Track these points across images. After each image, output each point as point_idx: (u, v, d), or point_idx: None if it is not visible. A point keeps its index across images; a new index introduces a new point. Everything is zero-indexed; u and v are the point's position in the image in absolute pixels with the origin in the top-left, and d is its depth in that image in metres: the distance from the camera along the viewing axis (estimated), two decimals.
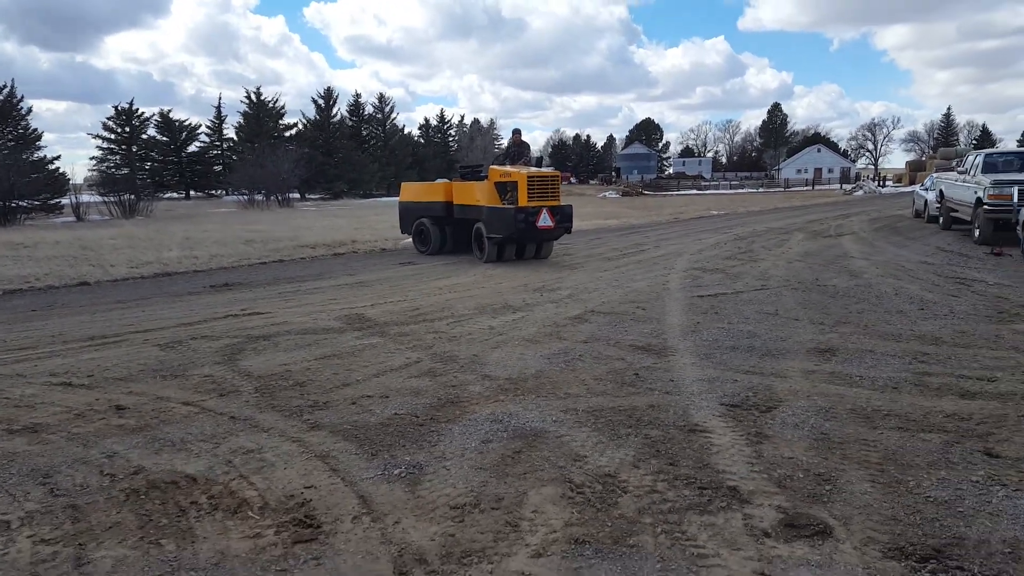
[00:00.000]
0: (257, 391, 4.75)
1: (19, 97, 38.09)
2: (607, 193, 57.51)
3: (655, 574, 2.52)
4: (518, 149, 13.19)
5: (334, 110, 57.32)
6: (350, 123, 59.60)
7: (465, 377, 4.97)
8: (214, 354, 5.80)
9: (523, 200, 10.96)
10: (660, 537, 2.77)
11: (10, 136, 37.16)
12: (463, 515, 2.97)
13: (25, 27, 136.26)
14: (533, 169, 11.81)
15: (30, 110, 39.10)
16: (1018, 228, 11.63)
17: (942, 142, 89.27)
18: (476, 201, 11.89)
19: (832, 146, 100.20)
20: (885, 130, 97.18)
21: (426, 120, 75.87)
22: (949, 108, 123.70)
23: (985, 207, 13.03)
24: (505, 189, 11.39)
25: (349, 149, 54.86)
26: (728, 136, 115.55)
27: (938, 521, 2.85)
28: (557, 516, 2.95)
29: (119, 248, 15.51)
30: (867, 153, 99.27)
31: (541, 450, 3.64)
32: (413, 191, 14.26)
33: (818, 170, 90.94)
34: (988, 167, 14.43)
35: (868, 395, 4.44)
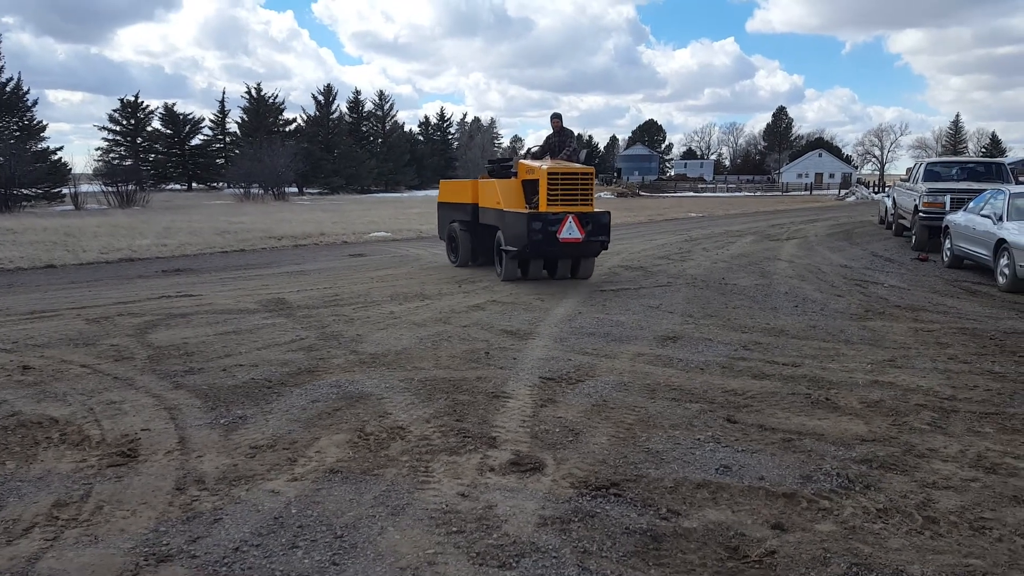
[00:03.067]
0: (149, 358, 5.44)
1: (25, 89, 39.09)
2: (603, 194, 57.92)
3: (378, 493, 3.18)
4: (559, 139, 10.27)
5: (334, 107, 58.30)
6: (349, 120, 60.49)
7: (335, 352, 5.64)
8: (130, 328, 6.49)
9: (543, 204, 8.78)
10: (404, 470, 3.43)
11: (15, 126, 38.12)
12: (256, 453, 3.63)
13: (40, 18, 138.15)
14: (558, 163, 9.31)
15: (35, 102, 40.22)
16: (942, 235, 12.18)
17: (949, 149, 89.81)
18: (497, 203, 9.47)
19: (834, 151, 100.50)
20: (893, 136, 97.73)
21: (426, 118, 76.84)
22: (958, 115, 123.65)
23: (920, 214, 13.60)
24: (533, 189, 9.16)
25: (347, 145, 55.78)
26: (732, 139, 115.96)
27: (635, 465, 3.50)
28: (333, 455, 3.61)
29: (99, 235, 16.26)
30: (874, 159, 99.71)
31: (357, 409, 4.30)
32: (448, 190, 11.76)
33: (819, 175, 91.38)
34: (929, 175, 15.00)
35: (671, 373, 5.08)
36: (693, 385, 4.80)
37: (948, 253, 11.25)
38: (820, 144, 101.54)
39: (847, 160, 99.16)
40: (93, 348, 5.75)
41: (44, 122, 40.95)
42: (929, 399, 4.51)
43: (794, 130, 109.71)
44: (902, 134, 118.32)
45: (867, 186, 65.40)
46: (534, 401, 4.44)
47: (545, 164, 9.31)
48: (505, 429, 3.96)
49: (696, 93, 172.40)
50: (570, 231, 8.78)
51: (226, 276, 10.19)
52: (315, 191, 53.22)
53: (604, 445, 3.74)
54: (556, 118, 10.49)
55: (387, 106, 63.79)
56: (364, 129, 62.06)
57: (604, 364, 5.32)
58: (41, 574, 2.51)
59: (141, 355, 5.52)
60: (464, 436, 3.85)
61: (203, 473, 3.37)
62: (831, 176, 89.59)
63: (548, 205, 8.85)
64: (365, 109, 62.45)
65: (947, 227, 11.46)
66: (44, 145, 38.52)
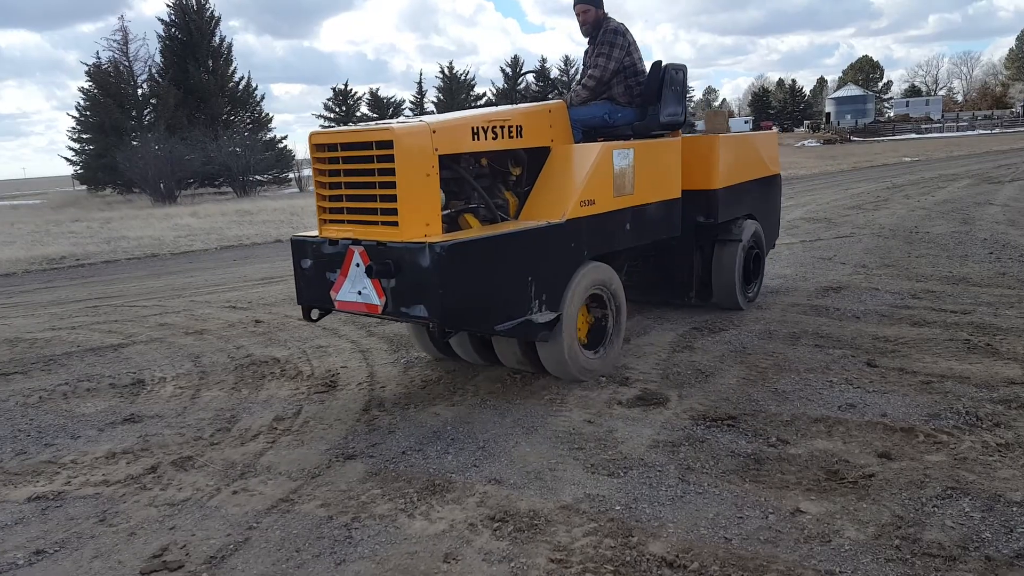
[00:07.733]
0: None
1: (254, 86, 44.78)
2: (807, 142, 53.84)
3: (518, 417, 3.70)
4: (592, 48, 5.10)
5: (520, 77, 59.92)
6: (536, 88, 61.76)
7: None
8: None
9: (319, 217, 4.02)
10: (542, 401, 3.92)
11: (248, 120, 43.94)
12: (426, 385, 4.33)
13: (259, 19, 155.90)
14: (343, 129, 3.83)
15: (263, 96, 45.74)
16: None
17: None
18: None
19: None
20: None
21: None
22: None
23: None
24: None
25: None
26: (966, 71, 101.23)
27: (757, 401, 3.69)
28: (486, 389, 4.20)
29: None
30: None
31: None
32: None
33: None
34: None
35: (822, 322, 5.06)
36: (843, 333, 4.77)
37: None
38: None
39: None
40: None
41: (271, 114, 47.00)
42: None
43: None
44: None
45: None
46: (670, 347, 4.72)
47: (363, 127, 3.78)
48: (638, 371, 4.31)
49: (919, 21, 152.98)
50: (355, 286, 3.75)
51: None
52: None
53: (732, 385, 3.95)
54: (581, 2, 4.89)
55: (572, 71, 64.13)
56: (551, 97, 63.07)
57: (752, 315, 5.41)
58: (263, 464, 3.35)
59: None
60: (600, 375, 4.26)
61: (384, 399, 4.12)
62: None
63: (322, 223, 4.00)
64: (551, 76, 63.43)
65: None
66: (272, 135, 43.91)
